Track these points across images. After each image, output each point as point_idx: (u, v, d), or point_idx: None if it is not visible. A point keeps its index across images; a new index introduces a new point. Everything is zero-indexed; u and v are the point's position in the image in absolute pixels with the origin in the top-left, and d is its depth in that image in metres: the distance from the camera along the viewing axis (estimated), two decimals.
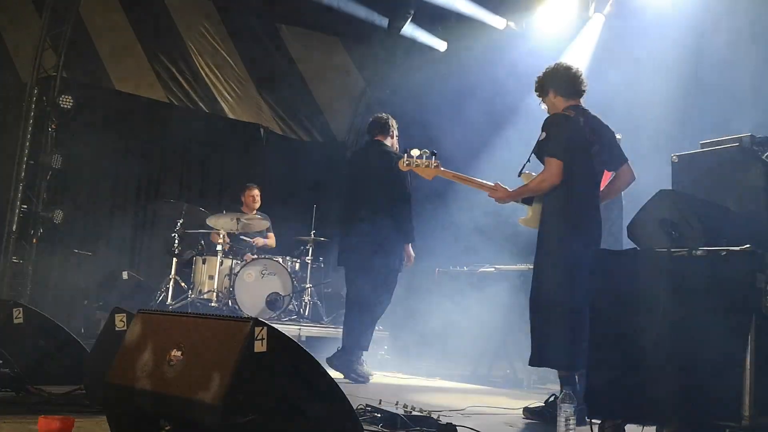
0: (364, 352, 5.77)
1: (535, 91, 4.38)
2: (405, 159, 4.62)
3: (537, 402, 4.21)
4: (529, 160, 4.28)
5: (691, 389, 3.01)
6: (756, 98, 5.59)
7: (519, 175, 4.31)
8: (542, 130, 4.14)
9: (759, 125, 4.05)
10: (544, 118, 4.23)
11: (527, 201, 4.30)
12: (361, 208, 5.71)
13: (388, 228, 5.60)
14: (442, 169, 4.57)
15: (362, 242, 5.61)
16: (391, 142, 5.95)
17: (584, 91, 4.28)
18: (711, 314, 3.04)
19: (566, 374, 3.97)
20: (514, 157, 5.13)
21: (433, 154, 4.57)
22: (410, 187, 5.74)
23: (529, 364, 4.17)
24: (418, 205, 7.32)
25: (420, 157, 4.57)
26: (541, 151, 4.13)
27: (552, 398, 4.04)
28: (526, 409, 4.16)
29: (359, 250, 5.64)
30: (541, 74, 4.36)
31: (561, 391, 3.85)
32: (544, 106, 4.39)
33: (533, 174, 4.27)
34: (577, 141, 4.10)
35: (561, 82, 4.25)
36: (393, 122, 6.01)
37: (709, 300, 3.07)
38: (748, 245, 3.06)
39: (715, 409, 2.97)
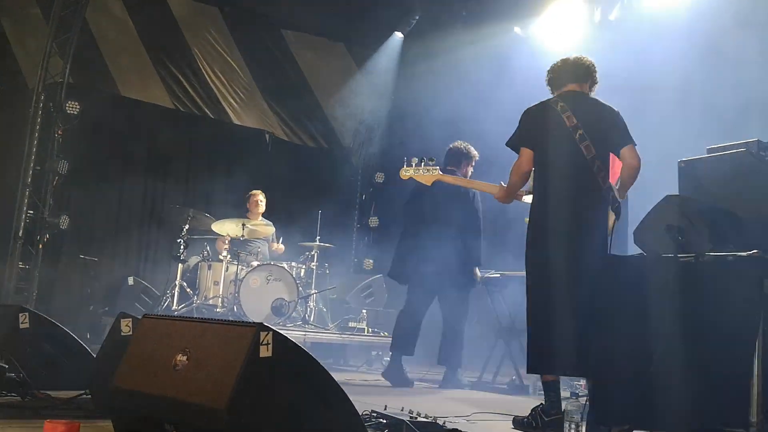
0: (409, 357, 6.13)
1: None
2: (404, 168, 4.85)
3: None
4: None
5: (699, 395, 3.00)
6: (763, 103, 5.57)
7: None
8: None
9: (766, 130, 4.03)
10: None
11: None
12: (433, 234, 5.86)
13: (463, 254, 5.94)
14: (440, 173, 4.84)
15: (436, 265, 5.83)
16: (465, 171, 6.03)
17: (576, 76, 4.07)
18: (718, 320, 3.03)
19: (552, 379, 3.84)
20: None
21: (431, 160, 4.78)
22: (481, 213, 6.07)
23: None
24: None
25: (419, 164, 4.76)
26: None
27: (539, 407, 3.87)
28: (515, 420, 3.99)
29: (431, 271, 5.88)
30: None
31: (545, 398, 3.82)
32: None
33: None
34: (548, 128, 3.94)
35: (551, 76, 4.18)
36: (469, 151, 6.07)
37: (716, 306, 3.06)
38: (755, 250, 3.05)
39: (722, 415, 2.95)
